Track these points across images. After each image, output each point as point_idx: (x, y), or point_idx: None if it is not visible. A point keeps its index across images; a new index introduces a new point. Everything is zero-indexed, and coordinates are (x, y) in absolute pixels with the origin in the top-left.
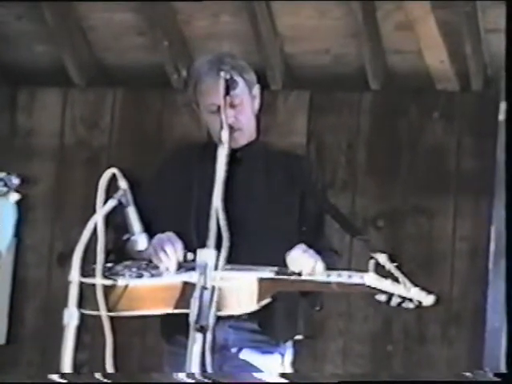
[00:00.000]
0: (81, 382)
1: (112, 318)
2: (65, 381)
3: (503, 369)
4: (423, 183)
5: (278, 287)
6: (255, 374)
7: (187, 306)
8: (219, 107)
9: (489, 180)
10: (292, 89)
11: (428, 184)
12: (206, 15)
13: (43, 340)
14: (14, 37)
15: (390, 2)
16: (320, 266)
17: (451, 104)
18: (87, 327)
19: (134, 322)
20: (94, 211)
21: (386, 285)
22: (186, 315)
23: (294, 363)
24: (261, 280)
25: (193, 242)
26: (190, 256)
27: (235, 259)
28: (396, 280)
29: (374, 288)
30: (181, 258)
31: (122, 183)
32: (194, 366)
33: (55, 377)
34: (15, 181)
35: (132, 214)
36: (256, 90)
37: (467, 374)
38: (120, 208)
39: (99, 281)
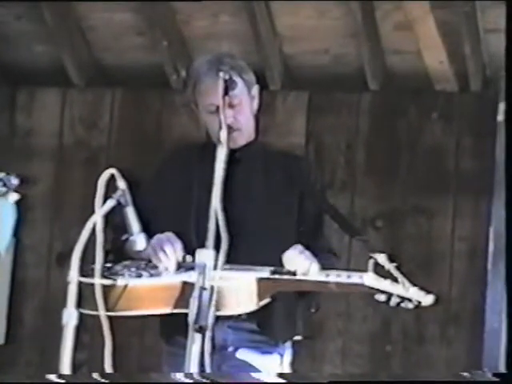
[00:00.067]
0: (79, 382)
1: (111, 318)
2: (63, 381)
3: (502, 369)
4: (422, 183)
5: (277, 287)
6: (254, 375)
7: (186, 306)
8: (218, 107)
9: (488, 180)
10: (291, 89)
11: (427, 184)
12: (205, 15)
13: (42, 340)
14: (13, 37)
15: (389, 2)
16: (315, 267)
17: (450, 104)
18: (86, 327)
19: (133, 321)
20: (92, 211)
21: (385, 285)
22: (185, 315)
23: (292, 363)
24: (260, 280)
25: (192, 242)
26: (188, 258)
27: (234, 259)
28: (395, 280)
29: (373, 288)
30: (180, 258)
31: (121, 183)
32: (193, 366)
33: (53, 377)
34: (14, 181)
35: (131, 214)
36: (255, 90)
37: (466, 374)
38: (119, 208)
39: (98, 281)
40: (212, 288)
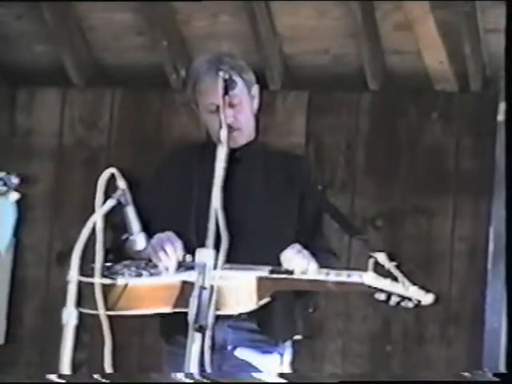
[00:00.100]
0: (79, 382)
1: (111, 318)
2: (63, 381)
3: (502, 369)
4: (422, 183)
5: (277, 286)
6: (254, 374)
7: (186, 305)
8: (218, 107)
9: (488, 180)
10: (291, 89)
11: (427, 184)
12: (205, 15)
13: (42, 340)
14: (13, 37)
15: (389, 2)
16: (313, 266)
17: (450, 104)
18: (86, 327)
19: (133, 321)
20: (92, 211)
21: (385, 284)
22: (185, 315)
23: (292, 363)
24: (259, 279)
25: (192, 242)
26: (188, 258)
27: (234, 259)
28: (395, 279)
29: (373, 287)
30: (181, 258)
31: (121, 183)
32: (193, 366)
33: (53, 377)
34: (15, 180)
35: (131, 213)
36: (255, 89)
37: (466, 374)
38: (119, 208)
39: (98, 280)
40: (212, 287)
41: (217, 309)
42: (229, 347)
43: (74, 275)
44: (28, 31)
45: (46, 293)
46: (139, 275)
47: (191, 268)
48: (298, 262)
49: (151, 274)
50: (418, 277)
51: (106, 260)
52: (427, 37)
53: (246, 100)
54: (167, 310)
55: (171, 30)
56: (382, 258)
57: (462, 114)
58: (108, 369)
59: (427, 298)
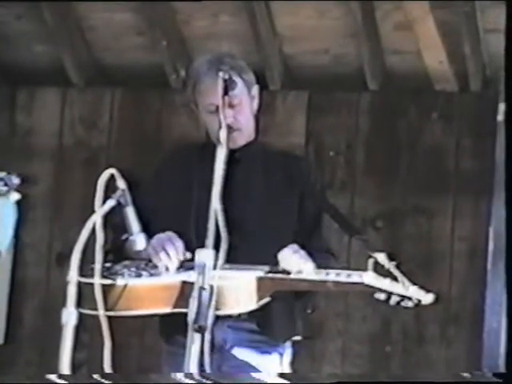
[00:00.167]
0: (79, 383)
1: (110, 318)
2: (63, 381)
3: (502, 369)
4: (422, 183)
5: (276, 286)
6: (254, 374)
7: (186, 306)
8: (218, 107)
9: (488, 180)
10: (291, 89)
11: (427, 184)
12: (205, 15)
13: (41, 340)
14: (13, 37)
15: (388, 2)
16: (310, 266)
17: (450, 104)
18: (85, 327)
19: (133, 321)
20: (92, 211)
21: (385, 283)
22: (185, 315)
23: (292, 363)
24: (259, 279)
25: (192, 242)
26: (188, 255)
27: (234, 259)
28: (395, 279)
29: (372, 287)
30: (182, 258)
31: (121, 183)
32: (193, 366)
33: (53, 377)
34: (15, 180)
35: (131, 213)
36: (255, 90)
37: (466, 374)
38: (119, 208)
39: (98, 280)
40: (211, 288)
41: (217, 309)
42: (228, 347)
43: (73, 275)
44: (28, 31)
45: (46, 293)
46: (139, 275)
47: (191, 268)
48: (294, 262)
49: (151, 275)
50: (418, 277)
51: (105, 260)
52: (427, 37)
53: (245, 100)
54: (167, 310)
55: (171, 30)
56: (381, 257)
57: (462, 114)
58: (107, 369)
59: (427, 298)
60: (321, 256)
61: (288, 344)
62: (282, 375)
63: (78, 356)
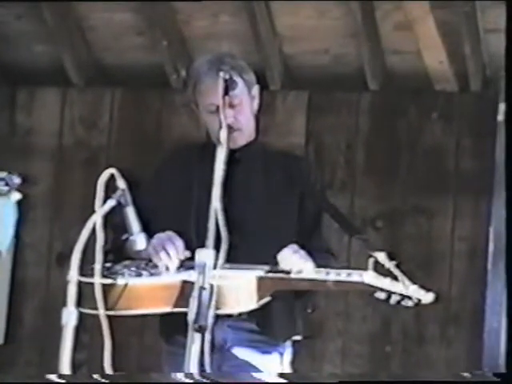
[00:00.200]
0: (79, 382)
1: (110, 318)
2: (63, 381)
3: (502, 369)
4: (422, 183)
5: (277, 286)
6: (254, 374)
7: (186, 305)
8: (218, 107)
9: (488, 180)
10: (291, 89)
11: (427, 184)
12: (205, 15)
13: (41, 340)
14: (13, 36)
15: (389, 2)
16: (309, 266)
17: (450, 104)
18: (85, 327)
19: (133, 321)
20: (92, 211)
21: (385, 283)
22: (185, 315)
23: (292, 363)
24: (260, 279)
25: (192, 242)
26: (187, 253)
27: (234, 259)
28: (395, 278)
29: (372, 286)
30: (182, 257)
31: (121, 183)
32: (193, 366)
33: (53, 377)
34: (16, 180)
35: (131, 213)
36: (255, 90)
37: (466, 374)
38: (119, 208)
39: (98, 280)
40: (212, 287)
41: (217, 308)
42: (229, 347)
43: (73, 275)
44: (28, 31)
45: (46, 293)
46: (139, 275)
47: (191, 268)
48: (294, 262)
49: (151, 274)
50: (418, 277)
51: (106, 260)
52: (427, 37)
53: (246, 100)
54: (167, 309)
55: (171, 30)
56: (381, 257)
57: (462, 114)
58: (108, 369)
59: (427, 297)
60: (321, 256)
61: (288, 344)
62: (282, 375)
63: (78, 356)
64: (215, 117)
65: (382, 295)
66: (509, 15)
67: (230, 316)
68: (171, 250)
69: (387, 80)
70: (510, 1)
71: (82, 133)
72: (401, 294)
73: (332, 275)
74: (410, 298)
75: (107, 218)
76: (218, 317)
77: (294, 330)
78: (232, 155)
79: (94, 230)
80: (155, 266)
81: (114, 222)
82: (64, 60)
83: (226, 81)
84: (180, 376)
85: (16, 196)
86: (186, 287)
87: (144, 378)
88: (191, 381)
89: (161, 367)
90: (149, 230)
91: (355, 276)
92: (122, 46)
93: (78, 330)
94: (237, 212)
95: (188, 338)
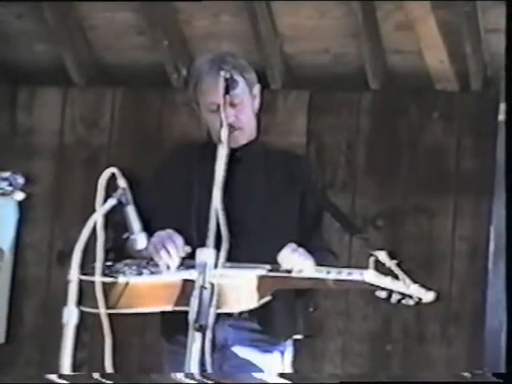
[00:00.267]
0: (79, 382)
1: (111, 317)
2: (63, 381)
3: (502, 369)
4: (423, 183)
5: (278, 285)
6: (255, 374)
7: (187, 304)
8: (219, 106)
9: (488, 180)
10: (292, 88)
11: (428, 184)
12: (206, 15)
13: (42, 339)
14: (14, 36)
15: (390, 2)
16: (309, 264)
17: (451, 104)
18: (86, 326)
19: (134, 320)
20: (93, 210)
21: (386, 281)
22: (186, 314)
23: (293, 362)
24: (260, 278)
25: (193, 241)
26: (187, 249)
27: (235, 258)
28: (396, 277)
29: (373, 285)
30: (182, 254)
31: (122, 182)
32: (194, 365)
33: (54, 377)
34: (20, 180)
35: (131, 213)
36: (256, 89)
37: (466, 374)
38: (119, 207)
39: (99, 278)
40: (212, 287)
41: (218, 307)
42: (230, 346)
43: (74, 274)
44: (29, 30)
45: (47, 292)
46: (140, 274)
47: (192, 266)
48: (294, 261)
49: (152, 273)
50: (419, 276)
51: (106, 259)
52: (428, 36)
53: (247, 99)
54: (168, 308)
55: (172, 30)
56: (382, 256)
57: (463, 114)
58: (108, 368)
59: (428, 296)
60: (321, 254)
61: (289, 342)
62: (282, 375)
63: (79, 355)
64: (216, 116)
65: (382, 294)
66: (509, 15)
67: (230, 315)
68: (171, 248)
69: (388, 80)
70: (510, 1)
71: (83, 132)
72: (401, 293)
73: (333, 274)
74: (410, 296)
75: (108, 217)
76: (218, 316)
77: (295, 328)
78: (233, 154)
79: (94, 229)
80: (156, 265)
81: (115, 221)
82: (65, 59)
83: (226, 80)
84: (180, 376)
85: (19, 196)
86: (187, 286)
87: (145, 378)
88: (192, 381)
89: (162, 366)
90: (149, 229)
91: (356, 275)
92: (122, 45)
93: (79, 328)
94: (237, 211)
95: (189, 338)
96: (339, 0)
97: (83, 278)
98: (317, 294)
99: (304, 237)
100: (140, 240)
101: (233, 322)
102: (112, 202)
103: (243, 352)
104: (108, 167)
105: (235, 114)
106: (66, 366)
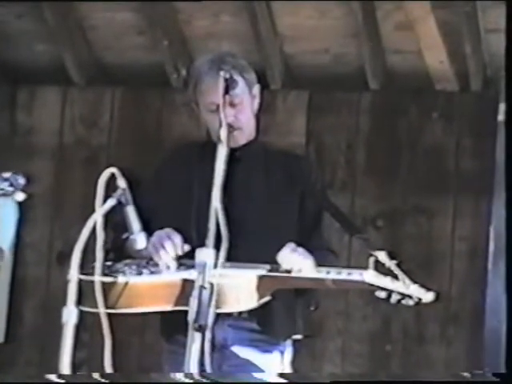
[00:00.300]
0: (79, 382)
1: (111, 316)
2: (63, 381)
3: (502, 369)
4: (423, 183)
5: (277, 285)
6: (254, 374)
7: (187, 304)
8: (218, 106)
9: (488, 180)
10: (291, 88)
11: (427, 184)
12: (206, 15)
13: (42, 338)
14: (14, 35)
15: (389, 2)
16: (309, 263)
17: (450, 104)
18: (86, 326)
19: (133, 320)
20: (93, 210)
21: (386, 282)
22: (186, 314)
23: (293, 362)
24: (260, 277)
25: (193, 241)
26: (186, 247)
27: (234, 258)
28: (395, 277)
29: (373, 285)
30: (181, 253)
31: (121, 182)
32: (193, 365)
33: (53, 377)
34: (21, 181)
35: (131, 213)
36: (256, 89)
37: (466, 374)
38: (119, 207)
39: (98, 278)
40: (212, 286)
41: (217, 307)
42: (229, 346)
43: (74, 274)
44: (29, 30)
45: (46, 292)
46: (140, 273)
47: (192, 266)
48: (293, 261)
49: (152, 272)
50: (419, 277)
51: (106, 259)
52: (428, 36)
53: (246, 99)
54: (168, 308)
55: (172, 30)
56: (382, 256)
57: (463, 114)
58: (108, 368)
59: (428, 296)
60: (321, 254)
61: (289, 342)
62: (282, 375)
63: (79, 355)
64: (216, 116)
65: (382, 294)
66: (509, 15)
67: (230, 315)
68: (169, 247)
69: (388, 80)
70: (510, 1)
71: (83, 132)
72: (401, 293)
73: (332, 274)
74: (410, 297)
75: (108, 217)
76: (218, 316)
77: (295, 328)
78: (232, 154)
79: (94, 229)
80: (156, 265)
81: (115, 221)
82: (65, 59)
83: (226, 80)
84: (180, 376)
85: (20, 196)
86: (187, 285)
87: (144, 378)
88: (191, 381)
89: (161, 366)
90: (149, 229)
91: (356, 275)
92: (122, 45)
93: (79, 328)
94: (237, 211)
95: (188, 337)
96: (339, 0)
97: (83, 277)
98: (318, 292)
99: (304, 237)
100: (140, 240)
101: (232, 322)
102: (112, 202)
103: (243, 352)
104: (108, 167)
105: (235, 114)
106: (65, 365)
